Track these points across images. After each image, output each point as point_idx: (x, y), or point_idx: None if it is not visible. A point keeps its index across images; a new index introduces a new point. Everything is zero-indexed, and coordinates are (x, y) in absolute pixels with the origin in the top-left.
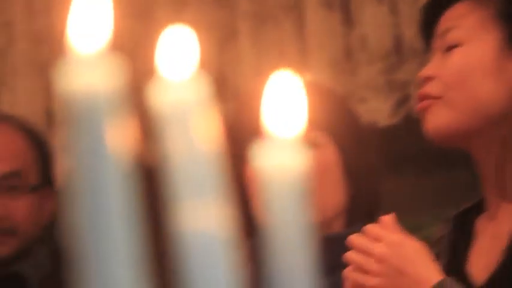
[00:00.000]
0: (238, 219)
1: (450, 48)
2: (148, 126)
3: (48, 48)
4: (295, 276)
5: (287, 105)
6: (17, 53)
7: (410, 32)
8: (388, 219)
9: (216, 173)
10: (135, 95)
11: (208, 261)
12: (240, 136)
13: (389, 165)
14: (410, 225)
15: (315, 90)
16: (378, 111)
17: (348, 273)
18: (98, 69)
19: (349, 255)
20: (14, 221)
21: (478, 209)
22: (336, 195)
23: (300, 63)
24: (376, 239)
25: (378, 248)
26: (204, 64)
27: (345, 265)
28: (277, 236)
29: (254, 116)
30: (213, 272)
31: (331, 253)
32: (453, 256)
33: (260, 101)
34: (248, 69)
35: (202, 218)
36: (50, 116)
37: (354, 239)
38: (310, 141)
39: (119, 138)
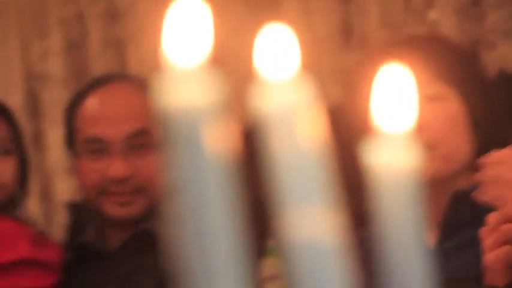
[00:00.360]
0: (348, 213)
1: None
2: (251, 131)
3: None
4: (409, 275)
5: (398, 100)
6: (141, 11)
7: None
8: None
9: (324, 176)
10: (237, 99)
11: (319, 271)
12: (350, 133)
13: None
14: None
15: (439, 43)
16: (507, 56)
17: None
18: (197, 84)
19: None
20: (142, 180)
21: None
22: (462, 148)
23: (425, 11)
24: None
25: None
26: (329, 14)
27: (477, 219)
28: (390, 233)
29: (364, 112)
30: (324, 282)
31: (463, 208)
32: None
33: (370, 97)
34: (373, 18)
35: (311, 225)
36: None
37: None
38: (437, 95)
39: (220, 150)
